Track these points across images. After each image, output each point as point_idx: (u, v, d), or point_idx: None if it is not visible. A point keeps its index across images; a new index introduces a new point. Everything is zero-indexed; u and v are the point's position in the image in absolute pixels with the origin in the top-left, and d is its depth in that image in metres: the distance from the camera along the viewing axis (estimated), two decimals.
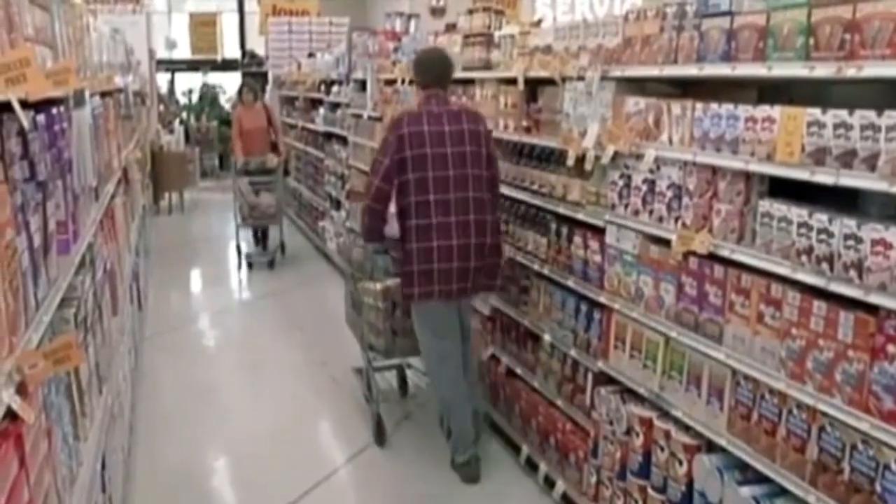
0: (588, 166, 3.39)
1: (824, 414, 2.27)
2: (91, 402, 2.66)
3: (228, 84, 16.86)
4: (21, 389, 1.62)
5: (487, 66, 4.47)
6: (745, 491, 2.56)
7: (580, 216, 3.55)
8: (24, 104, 1.75)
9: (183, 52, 17.63)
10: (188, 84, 17.59)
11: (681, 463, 2.86)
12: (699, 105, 2.75)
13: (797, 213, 2.35)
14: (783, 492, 2.45)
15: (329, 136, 8.87)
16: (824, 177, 2.22)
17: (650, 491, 3.05)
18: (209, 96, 16.98)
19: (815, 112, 2.24)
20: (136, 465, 4.10)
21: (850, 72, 2.14)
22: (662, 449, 2.97)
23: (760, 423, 2.52)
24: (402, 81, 5.78)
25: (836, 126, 2.18)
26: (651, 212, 3.04)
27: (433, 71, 3.98)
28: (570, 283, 3.63)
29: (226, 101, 16.67)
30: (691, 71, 2.79)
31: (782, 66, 2.38)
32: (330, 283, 7.51)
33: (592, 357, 3.47)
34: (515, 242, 4.16)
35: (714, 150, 2.66)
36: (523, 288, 4.12)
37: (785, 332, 2.40)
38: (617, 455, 3.25)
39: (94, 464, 2.49)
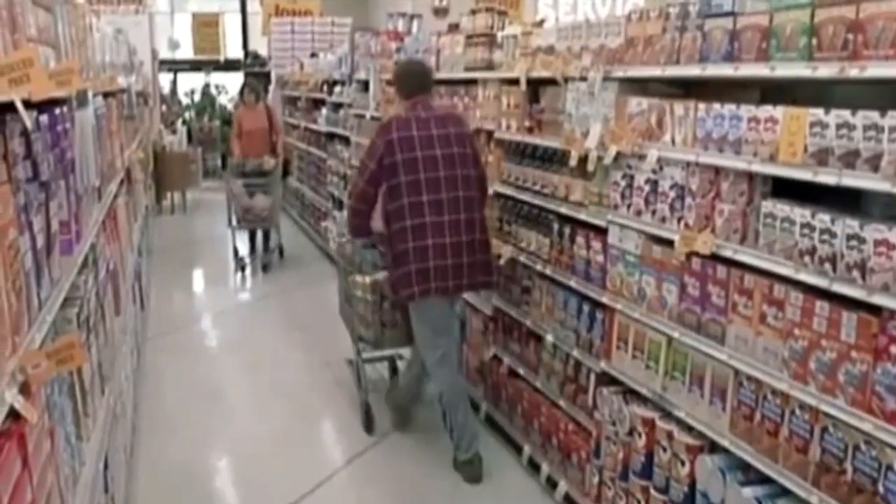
0: (590, 167, 3.39)
1: (827, 415, 2.27)
2: (94, 402, 2.66)
3: (231, 84, 16.86)
4: (24, 389, 1.62)
5: (490, 66, 4.47)
6: (748, 492, 2.56)
7: (582, 216, 3.55)
8: (28, 104, 1.75)
9: (186, 52, 17.65)
10: (191, 84, 17.60)
11: (683, 463, 2.86)
12: (702, 105, 2.75)
13: (800, 213, 2.35)
14: (786, 492, 2.45)
15: (331, 137, 8.87)
16: (827, 177, 2.22)
17: (652, 491, 3.04)
18: (208, 97, 16.98)
19: (818, 112, 2.24)
20: (139, 465, 4.11)
21: (853, 72, 2.13)
22: (665, 449, 2.97)
23: (763, 423, 2.52)
24: None
25: (838, 126, 2.18)
26: (654, 212, 3.04)
27: (415, 80, 4.12)
28: (573, 283, 3.63)
29: (228, 100, 16.67)
30: (694, 71, 2.78)
31: (785, 66, 2.38)
32: (332, 283, 7.44)
33: (595, 357, 3.47)
34: (518, 243, 4.16)
35: (717, 150, 2.66)
36: (525, 288, 4.12)
37: (788, 333, 2.40)
38: (619, 455, 3.25)
39: (96, 464, 2.49)
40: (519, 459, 4.18)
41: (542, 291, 3.94)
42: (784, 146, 2.36)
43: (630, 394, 3.25)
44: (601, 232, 3.41)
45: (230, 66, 17.10)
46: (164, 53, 16.39)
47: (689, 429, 2.89)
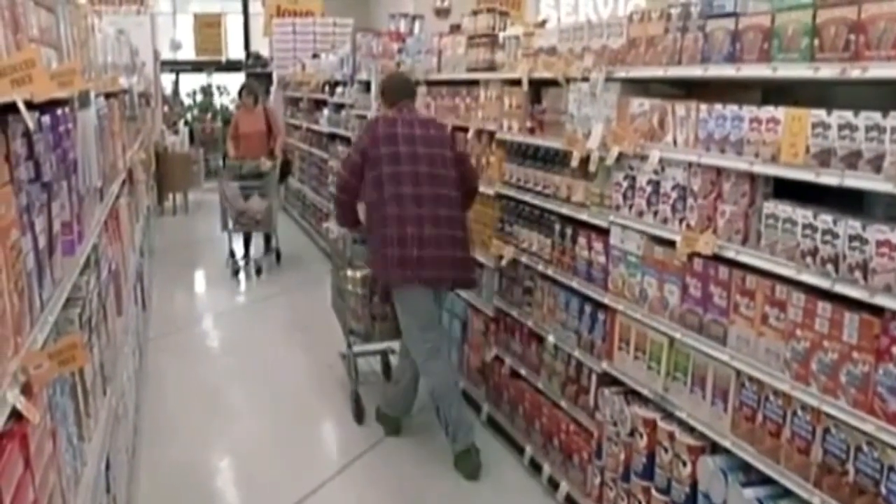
0: (592, 167, 3.39)
1: (829, 415, 2.27)
2: (96, 402, 2.66)
3: (233, 85, 16.88)
4: (26, 390, 1.62)
5: (492, 67, 4.47)
6: (750, 492, 2.56)
7: (584, 217, 3.55)
8: (30, 105, 1.75)
9: (187, 53, 17.66)
10: (193, 85, 17.61)
11: (685, 464, 2.86)
12: (704, 106, 2.75)
13: (802, 214, 2.35)
14: (787, 493, 2.45)
15: (333, 137, 8.87)
16: (829, 178, 2.22)
17: (654, 492, 3.04)
18: (207, 98, 16.99)
19: (820, 113, 2.24)
20: (141, 466, 4.11)
21: (855, 73, 2.13)
22: (666, 450, 2.97)
23: (765, 424, 2.52)
24: None
25: (840, 127, 2.17)
26: (655, 213, 3.04)
27: (400, 89, 4.43)
28: (574, 284, 3.63)
29: (230, 101, 16.67)
30: (696, 72, 2.78)
31: (787, 67, 2.38)
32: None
33: (596, 358, 3.47)
34: (519, 243, 4.16)
35: (718, 151, 2.66)
36: (527, 289, 4.12)
37: (789, 334, 2.40)
38: (621, 456, 3.25)
39: (98, 464, 2.49)
40: (521, 460, 4.18)
41: (544, 292, 3.94)
42: (786, 147, 2.36)
43: (631, 394, 3.25)
44: (603, 233, 3.41)
45: (232, 66, 17.11)
46: (166, 54, 16.40)
47: (691, 430, 2.89)
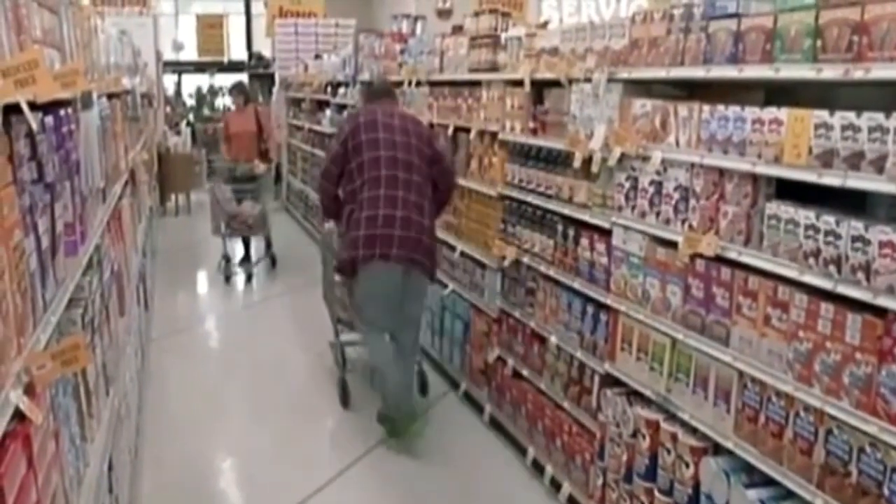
0: (594, 168, 3.39)
1: (832, 417, 2.27)
2: (98, 403, 2.67)
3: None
4: (29, 390, 1.62)
5: (494, 67, 4.47)
6: (752, 494, 2.55)
7: (587, 218, 3.54)
8: (33, 106, 1.76)
9: (190, 53, 17.68)
10: (195, 86, 17.63)
11: (687, 465, 2.85)
12: (706, 107, 2.74)
13: (804, 215, 2.35)
14: (790, 495, 2.44)
15: None
16: (832, 179, 2.22)
17: (657, 493, 3.04)
18: (204, 99, 17.00)
19: (823, 114, 2.24)
20: (143, 466, 4.11)
21: (858, 74, 2.13)
22: (669, 451, 2.96)
23: (767, 425, 2.52)
24: (409, 83, 5.79)
25: (843, 128, 2.17)
26: (658, 214, 3.03)
27: (381, 90, 4.81)
28: (577, 284, 3.63)
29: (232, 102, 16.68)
30: (698, 73, 2.78)
31: (790, 68, 2.38)
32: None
33: (599, 359, 3.47)
34: (522, 244, 4.16)
35: (721, 152, 2.66)
36: (529, 290, 4.12)
37: (792, 335, 2.40)
38: (623, 457, 3.24)
39: (101, 465, 2.50)
40: (523, 461, 4.18)
41: (546, 293, 3.94)
42: (788, 148, 2.36)
43: (634, 395, 3.24)
44: (605, 233, 3.40)
45: (234, 67, 17.13)
46: (169, 55, 16.42)
47: (694, 431, 2.88)
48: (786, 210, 2.42)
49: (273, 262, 8.48)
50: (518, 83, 4.08)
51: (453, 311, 5.15)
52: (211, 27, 17.41)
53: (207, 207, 12.20)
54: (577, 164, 3.50)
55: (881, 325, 2.11)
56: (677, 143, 2.90)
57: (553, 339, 3.85)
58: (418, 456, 4.31)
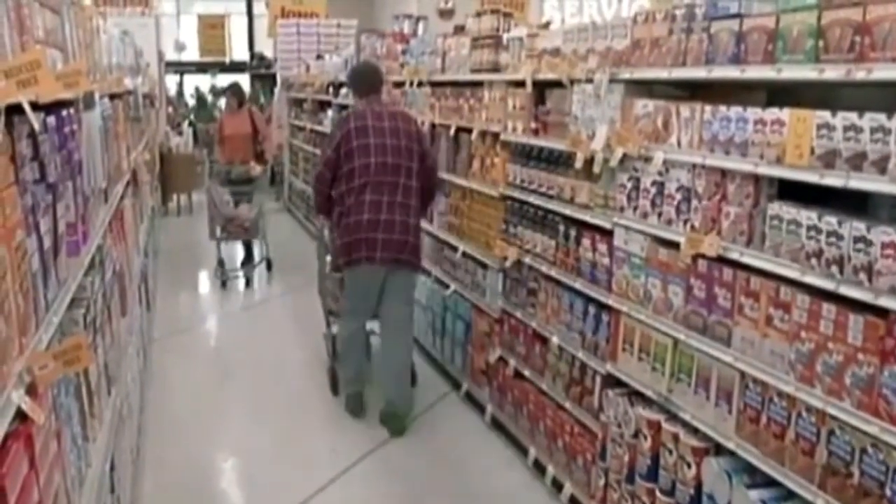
0: (596, 169, 3.39)
1: (833, 417, 2.27)
2: (100, 403, 2.67)
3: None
4: (31, 390, 1.62)
5: (496, 68, 4.47)
6: (754, 494, 2.55)
7: (588, 218, 3.54)
8: (35, 106, 1.76)
9: (192, 54, 17.70)
10: (196, 85, 17.65)
11: (689, 466, 2.85)
12: (708, 108, 2.74)
13: (806, 215, 2.35)
14: (792, 495, 2.44)
15: None
16: (834, 179, 2.22)
17: (658, 494, 3.04)
18: (202, 100, 17.02)
19: (825, 115, 2.24)
20: (145, 466, 4.11)
21: (860, 74, 2.13)
22: (671, 452, 2.96)
23: (769, 426, 2.52)
24: (411, 83, 5.79)
25: (845, 129, 2.17)
26: (660, 214, 3.03)
27: (368, 80, 4.81)
28: (578, 285, 3.63)
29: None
30: (700, 73, 2.78)
31: (792, 68, 2.38)
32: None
33: (600, 359, 3.47)
34: (523, 244, 4.16)
35: (723, 152, 2.66)
36: (531, 290, 4.12)
37: (794, 335, 2.39)
38: (625, 458, 3.24)
39: (102, 464, 2.50)
40: (525, 461, 4.18)
41: (548, 293, 3.94)
42: (790, 148, 2.35)
43: (636, 396, 3.24)
44: (607, 234, 3.40)
45: (236, 67, 17.15)
46: (171, 55, 16.44)
47: (695, 431, 2.88)
48: (788, 211, 2.42)
49: (269, 265, 8.38)
50: (520, 84, 4.08)
51: (455, 312, 5.15)
52: (213, 27, 17.44)
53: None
54: (578, 164, 3.50)
55: (883, 326, 2.11)
56: (679, 144, 2.90)
57: (555, 340, 3.85)
58: (419, 456, 4.31)
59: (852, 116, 2.15)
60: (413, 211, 4.52)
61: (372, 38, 7.70)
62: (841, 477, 2.24)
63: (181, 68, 17.64)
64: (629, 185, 3.21)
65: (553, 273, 3.85)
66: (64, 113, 2.28)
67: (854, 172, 2.16)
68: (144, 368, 5.10)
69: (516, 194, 4.21)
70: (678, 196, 2.92)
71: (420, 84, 5.66)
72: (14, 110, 1.69)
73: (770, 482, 2.53)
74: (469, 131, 4.77)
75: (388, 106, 4.94)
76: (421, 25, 8.37)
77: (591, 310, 3.55)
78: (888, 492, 2.09)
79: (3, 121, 1.60)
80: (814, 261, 2.31)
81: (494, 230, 4.50)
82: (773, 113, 2.44)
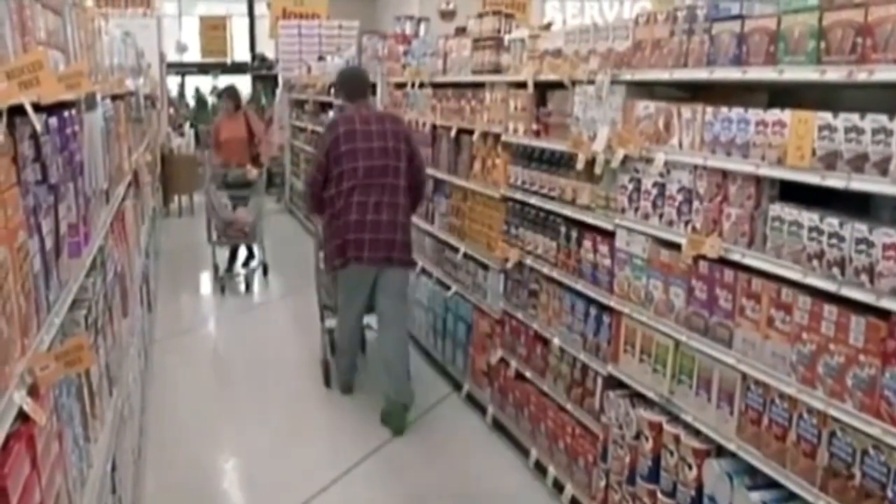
0: (598, 170, 3.39)
1: (835, 419, 2.26)
2: (102, 403, 2.67)
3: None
4: (33, 391, 1.62)
5: (497, 69, 4.47)
6: (755, 496, 2.55)
7: (590, 220, 3.54)
8: (37, 107, 1.76)
9: (193, 55, 17.71)
10: (198, 86, 17.65)
11: (690, 467, 2.85)
12: (709, 109, 2.74)
13: (808, 217, 2.35)
14: (793, 497, 2.44)
15: None
16: (835, 181, 2.22)
17: (659, 495, 3.04)
18: (201, 101, 17.02)
19: (826, 116, 2.24)
20: (147, 467, 4.11)
21: (862, 76, 2.13)
22: (672, 453, 2.96)
23: (770, 427, 2.51)
24: (412, 85, 5.79)
25: (847, 130, 2.17)
26: (661, 215, 3.03)
27: (355, 85, 4.94)
28: (580, 286, 3.63)
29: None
30: (702, 75, 2.78)
31: (793, 69, 2.38)
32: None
33: (602, 361, 3.47)
34: (525, 246, 4.16)
35: (724, 153, 2.66)
36: (532, 291, 4.12)
37: (795, 337, 2.39)
38: (626, 459, 3.24)
39: (104, 465, 2.50)
40: (526, 462, 4.17)
41: (550, 295, 3.93)
42: (792, 150, 2.35)
43: (637, 397, 3.24)
44: (608, 235, 3.40)
45: (237, 68, 17.14)
46: (172, 56, 16.45)
47: (697, 433, 2.88)
48: (789, 212, 2.42)
49: (265, 270, 8.30)
50: (521, 85, 4.08)
51: (456, 313, 5.15)
52: (214, 28, 17.45)
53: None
54: (580, 165, 3.50)
55: (885, 328, 2.11)
56: (680, 145, 2.90)
57: (556, 341, 3.84)
58: (421, 457, 4.31)
59: (854, 118, 2.15)
60: (402, 209, 4.62)
61: (373, 39, 7.70)
62: (842, 479, 2.24)
63: (183, 69, 17.64)
64: (630, 186, 3.21)
65: (554, 274, 3.85)
66: (66, 114, 2.28)
67: (855, 174, 2.16)
68: (146, 369, 5.10)
69: (517, 195, 4.21)
70: (679, 197, 2.92)
71: (421, 85, 5.66)
72: (16, 111, 1.69)
73: (771, 484, 2.53)
74: (470, 132, 4.77)
75: (376, 109, 5.06)
76: (422, 27, 8.36)
77: (593, 311, 3.55)
78: (890, 493, 2.09)
79: (6, 122, 1.60)
80: (815, 262, 2.31)
81: (496, 231, 4.50)
82: (774, 114, 2.44)
